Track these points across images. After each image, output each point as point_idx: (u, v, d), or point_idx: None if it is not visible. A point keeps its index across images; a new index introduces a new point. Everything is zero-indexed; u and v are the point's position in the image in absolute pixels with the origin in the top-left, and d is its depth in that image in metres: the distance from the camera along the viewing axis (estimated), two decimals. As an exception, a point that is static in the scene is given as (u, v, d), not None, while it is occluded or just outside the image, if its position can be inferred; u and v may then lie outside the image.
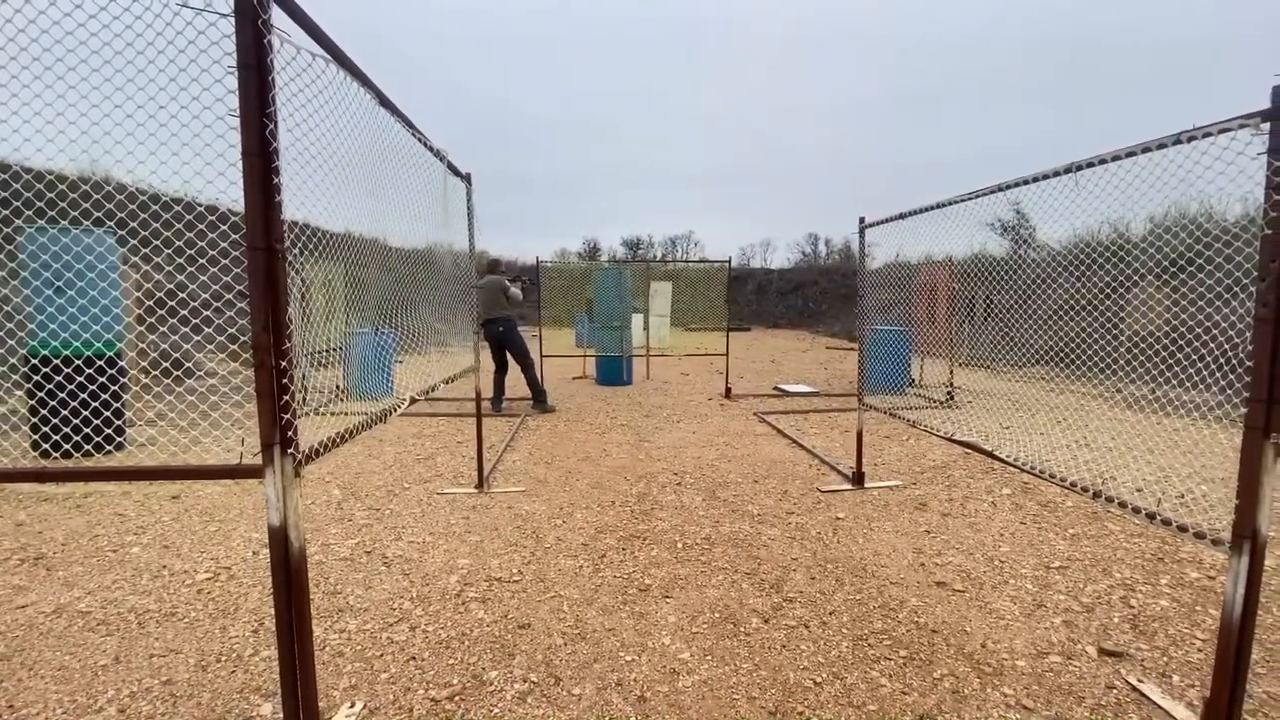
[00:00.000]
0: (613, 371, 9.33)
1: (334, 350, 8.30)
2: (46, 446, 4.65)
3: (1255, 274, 1.62)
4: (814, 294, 36.78)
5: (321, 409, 6.59)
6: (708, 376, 10.55)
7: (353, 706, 1.97)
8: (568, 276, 11.13)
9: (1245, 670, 1.79)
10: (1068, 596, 2.71)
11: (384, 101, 2.25)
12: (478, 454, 4.31)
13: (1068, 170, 2.33)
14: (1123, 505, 2.22)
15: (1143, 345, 4.06)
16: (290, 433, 1.56)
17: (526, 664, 2.20)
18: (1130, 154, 2.06)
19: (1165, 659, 2.23)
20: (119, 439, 5.07)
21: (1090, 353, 7.08)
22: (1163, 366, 3.19)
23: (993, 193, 2.82)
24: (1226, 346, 2.81)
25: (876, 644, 2.35)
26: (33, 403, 4.78)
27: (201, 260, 3.01)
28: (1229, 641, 1.76)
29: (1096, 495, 2.23)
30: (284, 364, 1.54)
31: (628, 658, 2.24)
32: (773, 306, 37.51)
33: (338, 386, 7.98)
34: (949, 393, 7.85)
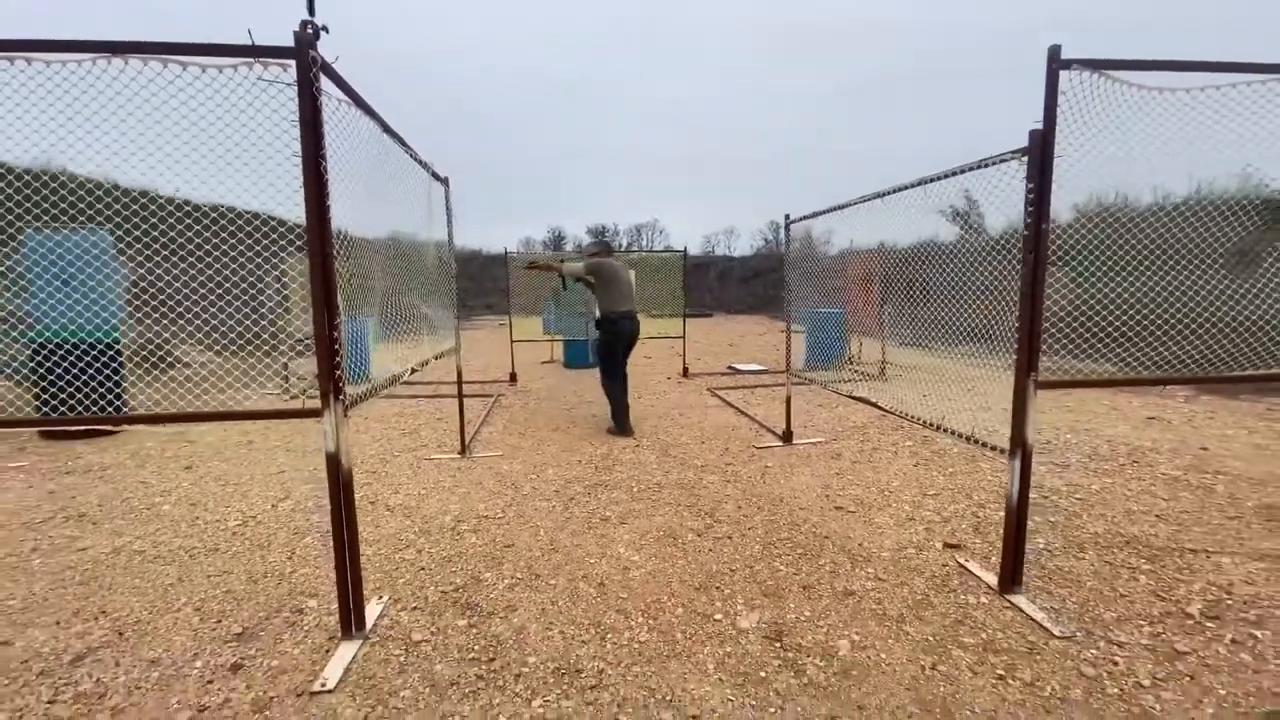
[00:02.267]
0: (579, 355, 9.94)
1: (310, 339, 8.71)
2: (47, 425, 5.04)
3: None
4: (774, 281, 37.79)
5: (307, 393, 7.04)
6: (668, 359, 11.26)
7: (382, 599, 2.58)
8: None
9: (1024, 538, 2.56)
10: (933, 513, 3.49)
11: (385, 128, 2.82)
12: (460, 425, 4.91)
13: (907, 187, 3.06)
14: (952, 433, 2.99)
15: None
16: (340, 385, 2.16)
17: (512, 568, 2.85)
18: (957, 172, 2.79)
19: (989, 549, 3.01)
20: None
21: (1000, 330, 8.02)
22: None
23: (859, 203, 3.54)
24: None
25: (781, 547, 3.07)
26: (39, 386, 5.16)
27: (190, 257, 3.50)
28: (1011, 517, 2.52)
29: (938, 428, 2.99)
30: (335, 337, 2.13)
31: (591, 561, 2.91)
32: (734, 293, 38.45)
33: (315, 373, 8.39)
34: (881, 368, 8.73)
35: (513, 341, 9.47)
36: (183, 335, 9.42)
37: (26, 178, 2.48)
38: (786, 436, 5.08)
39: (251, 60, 1.94)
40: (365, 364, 7.71)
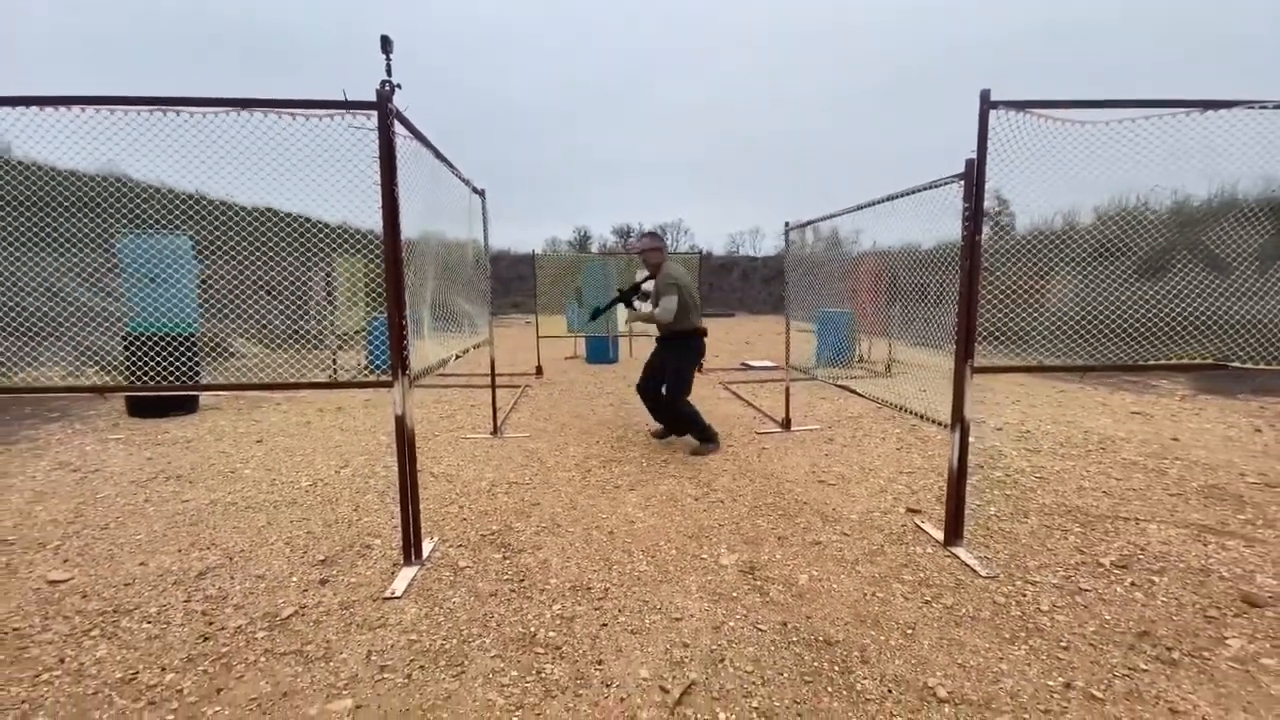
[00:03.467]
0: (600, 351, 10.53)
1: (358, 334, 9.45)
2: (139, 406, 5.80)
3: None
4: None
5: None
6: (685, 355, 11.77)
7: (433, 539, 3.18)
8: (560, 266, 12.25)
9: (964, 498, 3.04)
10: (904, 487, 3.97)
11: (437, 154, 3.42)
12: (492, 410, 5.53)
13: (878, 202, 3.55)
14: (912, 413, 3.47)
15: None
16: (407, 362, 2.76)
17: (538, 520, 3.43)
18: (913, 191, 3.28)
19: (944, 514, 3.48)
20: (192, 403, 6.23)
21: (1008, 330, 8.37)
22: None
23: (855, 210, 4.03)
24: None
25: (765, 509, 3.59)
26: (131, 374, 5.91)
27: (251, 258, 4.13)
28: (952, 480, 3.01)
29: (901, 409, 3.48)
30: (404, 324, 2.72)
31: (603, 516, 3.47)
32: (757, 293, 38.72)
33: (360, 364, 9.13)
34: (887, 365, 9.13)
35: (539, 337, 10.10)
36: (238, 329, 10.27)
37: (122, 188, 3.15)
38: (785, 424, 5.57)
39: (344, 111, 2.54)
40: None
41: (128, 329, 5.98)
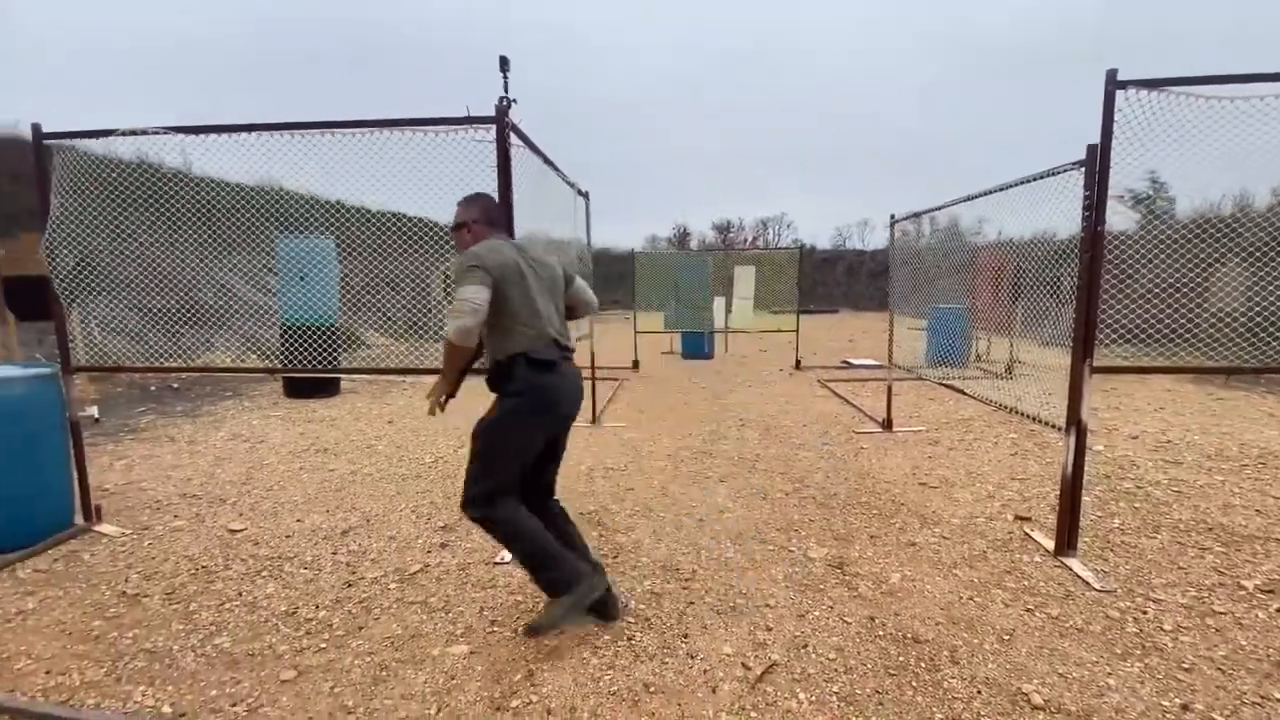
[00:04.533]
0: (695, 346, 10.64)
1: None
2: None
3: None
4: (905, 275, 35.83)
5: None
6: (784, 353, 11.59)
7: (535, 515, 3.45)
8: (657, 264, 12.49)
9: (1079, 505, 2.86)
10: (1015, 494, 3.76)
11: (546, 160, 3.69)
12: (592, 400, 5.81)
13: (985, 194, 3.37)
14: (1029, 417, 3.29)
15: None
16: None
17: (632, 504, 3.62)
18: (1025, 181, 3.11)
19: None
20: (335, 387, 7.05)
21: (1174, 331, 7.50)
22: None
23: (964, 201, 3.85)
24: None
25: (859, 508, 3.55)
26: (286, 358, 6.80)
27: (378, 257, 4.60)
28: (1066, 486, 2.84)
29: (1016, 411, 3.31)
30: (513, 316, 2.99)
31: (694, 505, 3.60)
32: (864, 288, 37.03)
33: (472, 356, 9.85)
34: (1008, 366, 8.50)
35: (636, 333, 10.37)
36: (368, 321, 11.40)
37: (284, 197, 3.65)
38: (887, 424, 5.41)
39: (467, 126, 2.83)
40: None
41: (283, 320, 6.88)
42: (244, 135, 3.01)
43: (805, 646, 2.20)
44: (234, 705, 1.91)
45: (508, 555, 2.92)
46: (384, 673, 2.06)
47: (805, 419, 5.91)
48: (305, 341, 4.42)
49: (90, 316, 7.51)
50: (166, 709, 1.89)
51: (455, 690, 1.96)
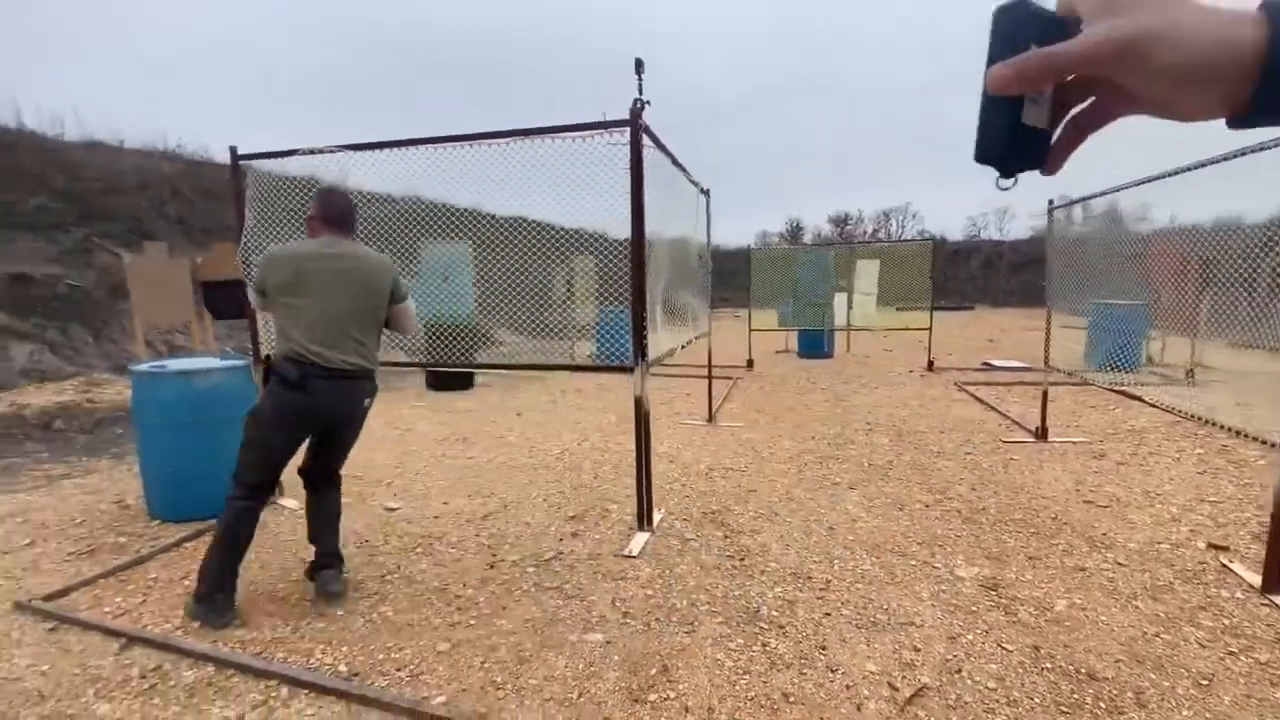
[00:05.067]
0: (813, 344, 10.25)
1: (589, 326, 10.52)
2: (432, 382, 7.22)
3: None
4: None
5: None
6: (911, 352, 10.86)
7: (660, 511, 3.49)
8: (771, 260, 12.17)
9: (1300, 542, 2.41)
10: (1206, 518, 3.24)
11: (673, 160, 3.70)
12: (708, 398, 5.79)
13: (1199, 166, 2.91)
14: (1225, 428, 2.82)
15: None
16: (644, 348, 3.07)
17: (755, 507, 3.55)
18: (1233, 156, 2.66)
19: (1264, 555, 2.77)
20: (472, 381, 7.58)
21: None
22: None
23: (1148, 181, 3.37)
24: None
25: (1013, 526, 3.23)
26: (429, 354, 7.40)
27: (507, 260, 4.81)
28: (1278, 515, 2.41)
29: (1207, 422, 2.85)
30: (643, 315, 3.03)
31: (822, 511, 3.46)
32: (1003, 282, 33.91)
33: (590, 353, 10.17)
34: (1189, 370, 7.37)
35: (751, 330, 10.18)
36: (498, 321, 12.12)
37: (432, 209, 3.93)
38: (1040, 433, 4.88)
39: (602, 131, 2.91)
40: (628, 348, 9.15)
41: (426, 319, 7.49)
42: (389, 151, 3.31)
43: (959, 672, 2.04)
44: (399, 670, 2.10)
45: (635, 549, 2.97)
46: (527, 653, 2.17)
47: (942, 424, 5.49)
48: (448, 339, 4.79)
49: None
50: (342, 667, 2.12)
51: (594, 677, 2.02)
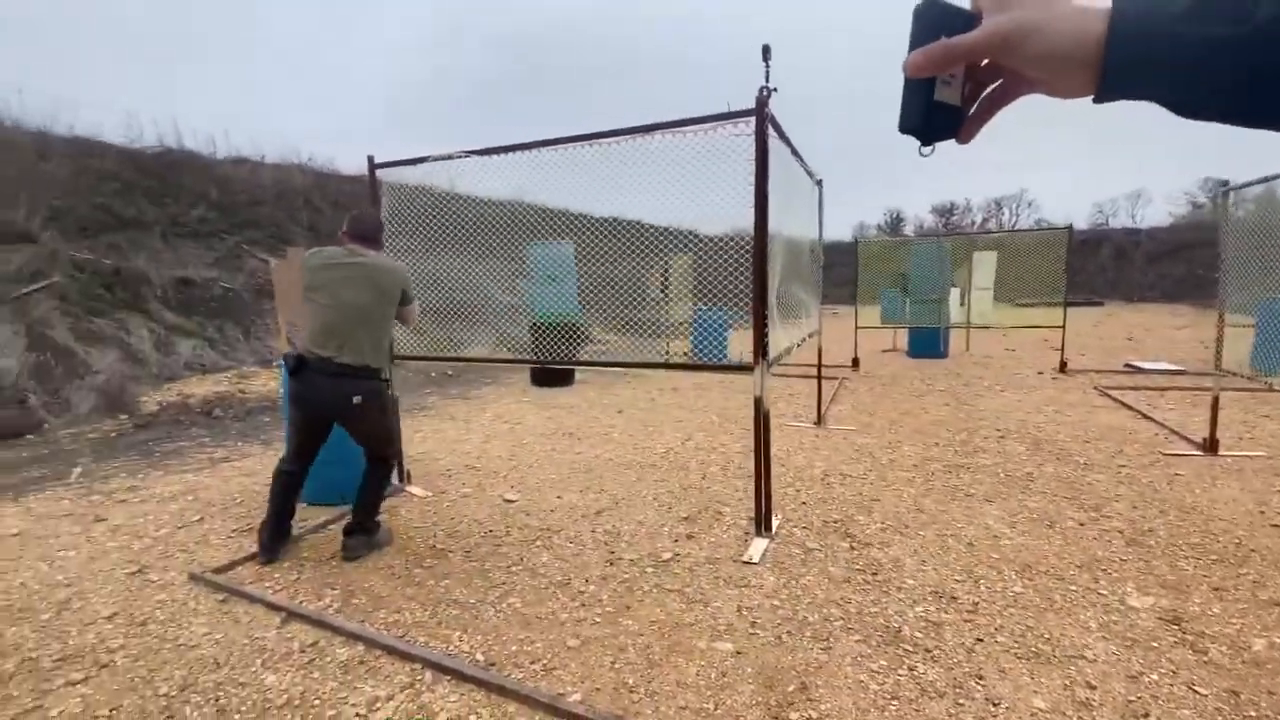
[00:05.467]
0: (927, 344, 9.62)
1: (684, 324, 10.48)
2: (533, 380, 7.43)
3: None
4: (1206, 258, 28.68)
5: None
6: (1038, 352, 9.96)
7: (777, 518, 3.36)
8: (872, 253, 11.54)
9: None
10: None
11: (793, 150, 3.55)
12: (817, 399, 5.55)
13: None
14: None
15: None
16: (765, 349, 2.95)
17: (881, 517, 3.34)
18: None
19: None
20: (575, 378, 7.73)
21: None
22: None
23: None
24: None
25: (1189, 551, 2.83)
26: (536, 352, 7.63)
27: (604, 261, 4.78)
28: None
29: None
30: (765, 315, 2.92)
31: (958, 525, 3.19)
32: (1139, 275, 30.51)
33: (685, 351, 10.10)
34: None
35: (857, 328, 9.71)
36: (595, 319, 12.34)
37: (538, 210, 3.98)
38: (1209, 445, 4.28)
39: (726, 122, 2.82)
40: (724, 346, 9.01)
41: (533, 319, 7.73)
42: (505, 155, 3.39)
43: (1146, 716, 1.79)
44: (532, 663, 2.13)
45: (755, 555, 2.87)
46: (656, 657, 2.14)
47: (1086, 433, 4.95)
48: (553, 336, 4.90)
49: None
50: (479, 656, 2.18)
51: (728, 689, 1.95)
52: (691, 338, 10.32)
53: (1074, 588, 2.54)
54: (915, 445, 4.74)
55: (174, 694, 2.01)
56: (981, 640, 2.18)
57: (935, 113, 0.51)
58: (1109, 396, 6.34)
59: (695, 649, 2.18)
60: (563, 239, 7.85)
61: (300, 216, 11.64)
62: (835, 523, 3.27)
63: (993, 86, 0.52)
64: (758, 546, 2.96)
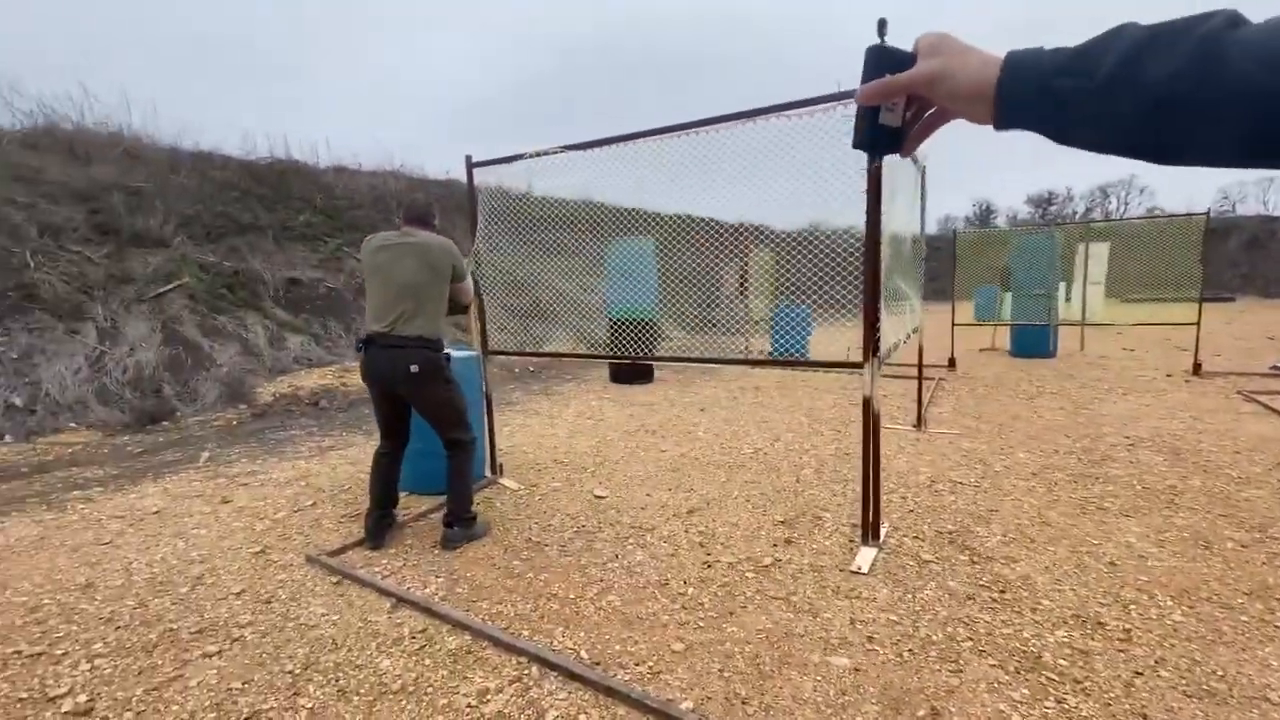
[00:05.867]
0: (1033, 342, 8.91)
1: (763, 321, 10.22)
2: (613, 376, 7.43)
3: None
4: (1366, 247, 25.40)
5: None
6: (1162, 352, 9.02)
7: (884, 525, 3.16)
8: (989, 244, 10.79)
9: None
10: None
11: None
12: (918, 401, 5.22)
13: None
14: None
15: None
16: (876, 346, 2.77)
17: (1002, 529, 3.06)
18: None
19: None
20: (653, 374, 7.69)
21: None
22: None
23: None
24: None
25: (1394, 585, 2.41)
26: (614, 348, 7.65)
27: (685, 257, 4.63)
28: None
29: None
30: (876, 311, 2.73)
31: (1093, 542, 2.88)
32: (1276, 268, 27.21)
33: (765, 349, 9.85)
34: None
35: (954, 325, 9.12)
36: (669, 315, 12.27)
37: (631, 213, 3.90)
38: (1401, 461, 3.67)
39: (837, 103, 2.66)
40: (805, 341, 8.69)
41: (611, 315, 7.75)
42: (582, 152, 3.36)
43: (1368, 784, 1.50)
44: (637, 664, 2.07)
45: (864, 565, 2.70)
46: (766, 668, 2.03)
47: (1235, 444, 4.39)
48: (632, 333, 4.85)
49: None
50: (584, 654, 2.15)
51: (850, 708, 1.82)
52: (771, 334, 10.06)
53: (1245, 618, 2.21)
54: (1031, 452, 4.36)
55: (298, 671, 2.09)
56: (1140, 674, 1.92)
57: (880, 133, 0.63)
58: (1258, 402, 5.61)
59: (808, 662, 2.05)
60: (643, 234, 7.83)
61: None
62: (950, 533, 3.03)
63: (929, 112, 0.63)
64: (866, 556, 2.78)
